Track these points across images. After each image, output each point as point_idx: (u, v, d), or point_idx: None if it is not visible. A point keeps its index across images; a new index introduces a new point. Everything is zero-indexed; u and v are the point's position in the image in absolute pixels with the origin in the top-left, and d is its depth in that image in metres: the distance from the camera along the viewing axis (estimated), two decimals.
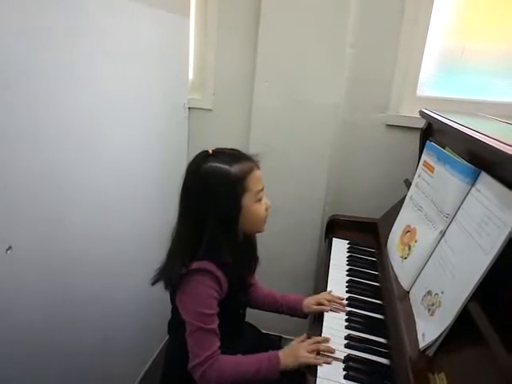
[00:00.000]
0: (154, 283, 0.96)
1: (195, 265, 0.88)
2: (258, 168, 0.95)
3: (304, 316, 1.10)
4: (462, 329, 0.68)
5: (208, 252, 0.89)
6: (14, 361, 0.93)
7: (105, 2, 1.07)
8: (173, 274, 0.90)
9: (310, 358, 0.86)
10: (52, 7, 0.89)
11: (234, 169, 0.90)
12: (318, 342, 0.90)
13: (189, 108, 1.75)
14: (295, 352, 0.89)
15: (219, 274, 0.89)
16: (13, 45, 0.81)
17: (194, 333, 0.87)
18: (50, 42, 0.90)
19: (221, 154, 0.93)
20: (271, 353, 0.91)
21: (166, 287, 0.95)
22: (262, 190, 0.95)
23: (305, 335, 0.96)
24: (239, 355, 0.90)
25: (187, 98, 1.72)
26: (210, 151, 0.93)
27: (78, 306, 1.13)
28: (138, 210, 1.41)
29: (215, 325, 0.88)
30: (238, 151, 0.96)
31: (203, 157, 0.92)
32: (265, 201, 0.96)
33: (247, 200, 0.91)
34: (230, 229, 0.91)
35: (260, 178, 0.94)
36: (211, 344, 0.87)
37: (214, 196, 0.88)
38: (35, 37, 0.86)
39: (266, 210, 0.97)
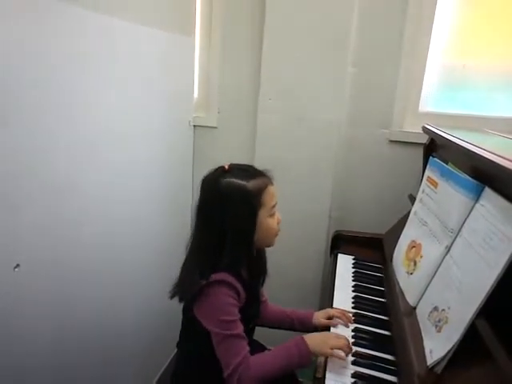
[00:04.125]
0: (172, 297, 0.97)
1: (215, 276, 0.90)
2: (272, 184, 0.98)
3: (314, 329, 1.10)
4: (470, 345, 0.67)
5: (228, 265, 0.90)
6: (18, 376, 0.93)
7: (112, 24, 1.10)
8: (192, 285, 0.91)
9: (336, 351, 0.88)
10: (63, 29, 0.93)
11: (251, 184, 0.93)
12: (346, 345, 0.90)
13: (194, 126, 1.78)
14: (325, 339, 0.91)
15: (238, 285, 0.91)
16: (26, 61, 0.84)
17: (221, 342, 0.88)
18: (64, 61, 0.94)
19: (237, 169, 0.96)
20: (296, 338, 0.92)
21: (181, 300, 0.97)
22: (275, 204, 0.98)
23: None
24: (267, 352, 0.93)
25: (192, 115, 1.74)
26: (227, 167, 0.96)
27: (84, 322, 1.14)
28: (144, 225, 1.42)
29: (240, 329, 0.90)
30: (253, 167, 0.99)
31: (220, 172, 0.95)
32: (277, 215, 1.00)
33: (262, 215, 0.95)
34: (247, 242, 0.94)
35: (274, 194, 0.97)
36: (240, 349, 0.88)
37: (231, 210, 0.91)
38: (51, 55, 0.90)
39: (278, 223, 1.00)
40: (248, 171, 0.97)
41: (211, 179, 0.95)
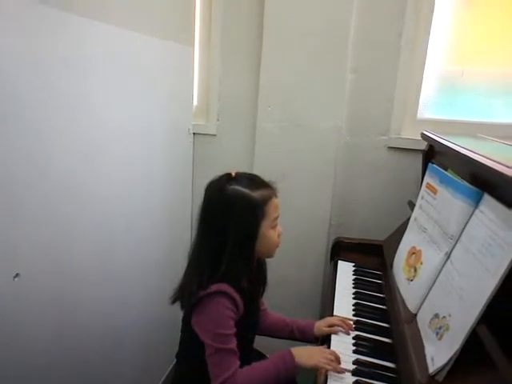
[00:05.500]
0: (173, 302, 0.97)
1: (214, 287, 0.89)
2: (276, 196, 0.98)
3: (314, 340, 1.10)
4: (471, 352, 0.67)
5: (227, 275, 0.90)
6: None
7: (112, 32, 1.11)
8: (191, 294, 0.91)
9: (325, 364, 0.87)
10: (65, 37, 0.94)
11: (256, 194, 0.93)
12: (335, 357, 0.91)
13: (193, 133, 1.78)
14: (311, 352, 0.91)
15: (237, 297, 0.90)
16: (32, 75, 0.85)
17: (213, 354, 0.88)
18: (64, 69, 0.95)
19: (243, 178, 0.96)
20: (283, 352, 0.92)
21: (183, 307, 0.96)
22: (278, 217, 0.98)
23: (325, 346, 0.98)
24: (254, 364, 0.92)
25: (192, 123, 1.75)
26: (233, 174, 0.96)
27: (84, 331, 1.13)
28: (144, 233, 1.42)
29: (234, 344, 0.89)
30: (259, 177, 1.00)
31: (226, 179, 0.95)
32: (278, 228, 0.99)
33: (264, 226, 0.94)
34: (247, 252, 0.93)
35: (277, 206, 0.97)
36: (231, 364, 0.88)
37: (234, 218, 0.91)
38: (51, 64, 0.91)
39: (278, 236, 0.99)
40: (254, 180, 0.97)
41: (217, 185, 0.95)
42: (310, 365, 0.89)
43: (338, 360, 0.89)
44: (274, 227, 0.97)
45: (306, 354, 0.91)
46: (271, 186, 0.98)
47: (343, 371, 0.87)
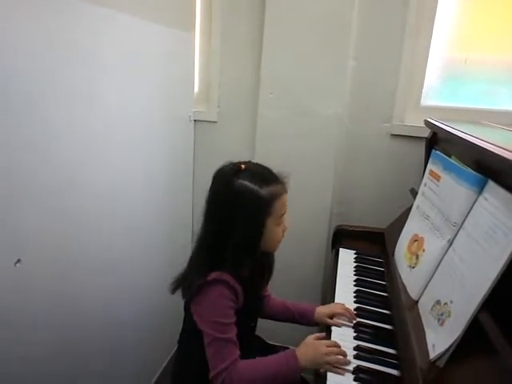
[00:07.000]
0: (173, 291, 0.97)
1: (214, 275, 0.88)
2: (286, 192, 0.95)
3: (314, 324, 1.10)
4: (473, 338, 0.67)
5: (228, 265, 0.89)
6: (19, 370, 0.92)
7: (112, 17, 1.09)
8: (191, 283, 0.90)
9: (331, 367, 0.86)
10: (62, 22, 0.92)
11: (264, 191, 0.90)
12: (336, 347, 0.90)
13: (194, 120, 1.77)
14: (315, 355, 0.88)
15: (237, 285, 0.89)
16: (35, 63, 0.84)
17: (212, 343, 0.88)
18: (64, 56, 0.93)
19: (252, 171, 0.92)
20: (289, 352, 0.91)
21: (184, 296, 0.96)
22: (284, 213, 0.96)
23: (323, 334, 0.96)
24: (257, 358, 0.91)
25: (192, 110, 1.74)
26: (243, 166, 0.92)
27: (84, 318, 1.14)
28: (145, 220, 1.42)
29: (233, 334, 0.88)
30: (269, 171, 0.96)
31: (234, 171, 0.91)
32: (284, 224, 0.97)
33: (270, 222, 0.92)
34: (251, 246, 0.92)
35: (285, 203, 0.95)
36: (229, 353, 0.87)
37: (240, 214, 0.88)
38: (51, 49, 0.89)
39: (283, 232, 0.97)
40: (264, 175, 0.93)
41: (224, 177, 0.92)
42: (316, 367, 0.88)
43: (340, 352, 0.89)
44: (279, 224, 0.95)
45: (310, 357, 0.88)
46: (282, 182, 0.95)
47: (348, 362, 0.87)
